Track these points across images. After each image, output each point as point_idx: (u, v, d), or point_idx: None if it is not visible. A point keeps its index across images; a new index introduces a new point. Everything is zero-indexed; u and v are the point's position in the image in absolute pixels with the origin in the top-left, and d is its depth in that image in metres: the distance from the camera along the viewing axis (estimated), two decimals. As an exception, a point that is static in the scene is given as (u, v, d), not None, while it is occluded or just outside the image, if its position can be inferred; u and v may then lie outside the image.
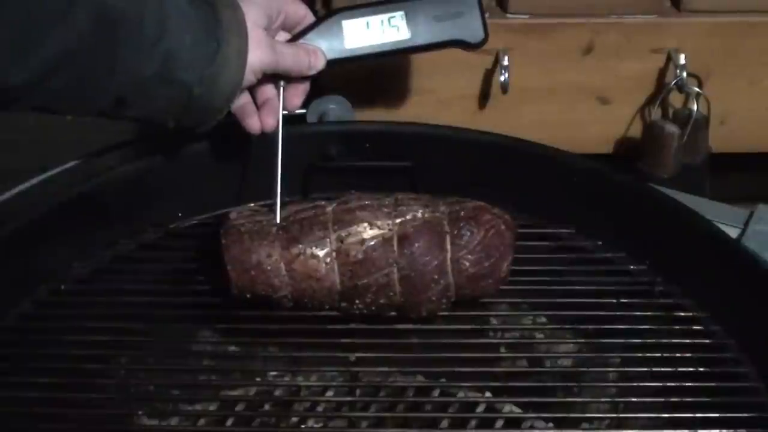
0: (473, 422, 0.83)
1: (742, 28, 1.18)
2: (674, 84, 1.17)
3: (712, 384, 0.81)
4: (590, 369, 0.87)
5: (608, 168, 0.99)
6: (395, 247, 0.85)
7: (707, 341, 0.86)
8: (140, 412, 0.83)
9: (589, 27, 1.17)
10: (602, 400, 0.85)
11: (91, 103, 0.79)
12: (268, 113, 0.89)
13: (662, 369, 0.83)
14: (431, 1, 0.92)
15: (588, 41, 1.17)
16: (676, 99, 1.20)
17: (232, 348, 0.91)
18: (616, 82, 1.20)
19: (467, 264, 0.85)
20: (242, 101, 0.88)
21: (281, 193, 0.87)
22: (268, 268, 0.85)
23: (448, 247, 0.85)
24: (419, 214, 0.86)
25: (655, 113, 1.20)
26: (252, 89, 0.89)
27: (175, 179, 0.97)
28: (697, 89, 1.17)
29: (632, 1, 1.17)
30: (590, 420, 0.82)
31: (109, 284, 0.93)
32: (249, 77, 0.85)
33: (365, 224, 0.85)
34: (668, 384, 0.81)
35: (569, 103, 1.21)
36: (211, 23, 0.81)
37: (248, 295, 0.86)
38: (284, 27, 0.91)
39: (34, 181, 1.09)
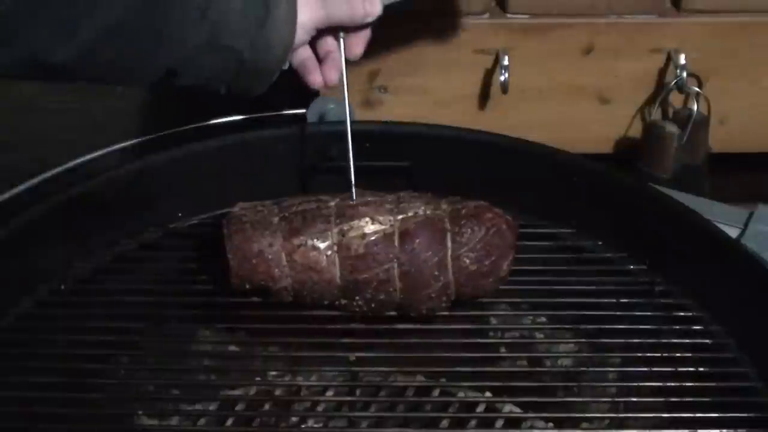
0: (473, 422, 0.83)
1: (742, 28, 1.18)
2: (674, 84, 1.17)
3: (712, 384, 0.81)
4: (590, 369, 0.87)
5: (608, 168, 0.99)
6: (396, 243, 0.85)
7: (707, 341, 0.86)
8: (140, 412, 0.83)
9: (589, 27, 1.17)
10: (602, 400, 0.85)
11: (140, 75, 0.79)
12: (330, 67, 0.87)
13: (662, 369, 0.83)
14: None
15: (588, 41, 1.18)
16: (676, 99, 1.20)
17: (232, 348, 0.91)
18: (616, 82, 1.20)
19: (468, 261, 0.85)
20: (303, 56, 0.87)
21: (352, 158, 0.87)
22: (269, 257, 0.85)
23: (449, 244, 0.85)
24: (421, 211, 0.86)
25: (655, 113, 1.20)
26: (312, 42, 0.87)
27: (175, 179, 0.98)
28: (697, 89, 1.17)
29: (632, 1, 1.17)
30: (590, 420, 0.82)
31: (109, 284, 0.93)
32: (301, 36, 0.83)
33: (367, 219, 0.85)
34: (668, 384, 0.81)
35: (569, 103, 1.21)
36: None
37: (248, 286, 0.86)
38: None
39: (34, 181, 1.09)
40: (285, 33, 0.82)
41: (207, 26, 0.77)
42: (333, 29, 0.87)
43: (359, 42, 0.88)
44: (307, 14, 0.83)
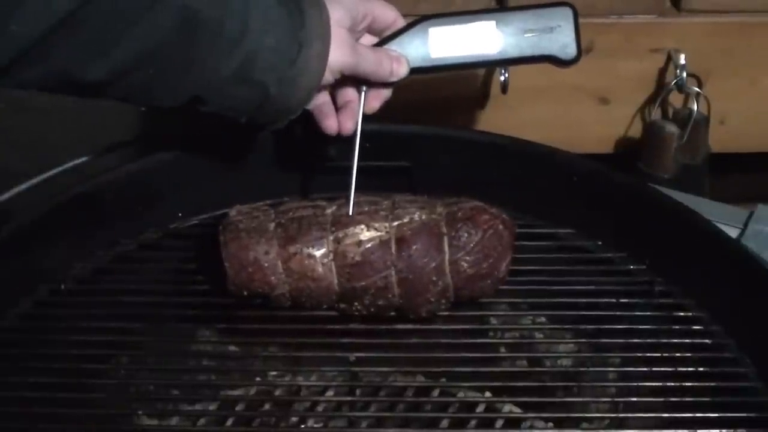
0: (473, 422, 0.83)
1: (742, 28, 1.18)
2: (674, 84, 1.17)
3: (712, 384, 0.81)
4: (590, 369, 0.87)
5: (608, 168, 0.99)
6: (393, 250, 0.84)
7: (707, 341, 0.86)
8: (140, 412, 0.83)
9: (589, 27, 1.17)
10: (602, 400, 0.85)
11: (166, 99, 0.79)
12: (347, 117, 0.87)
13: (662, 369, 0.83)
14: (524, 14, 0.88)
15: (588, 41, 1.17)
16: (676, 99, 1.20)
17: (232, 348, 0.91)
18: (616, 82, 1.20)
19: (465, 265, 0.85)
20: (321, 101, 0.87)
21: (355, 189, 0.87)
22: (265, 265, 0.84)
23: (446, 248, 0.85)
24: (416, 217, 0.86)
25: (655, 113, 1.20)
26: (333, 90, 0.88)
27: (175, 179, 0.97)
28: (697, 89, 1.17)
29: (632, 1, 1.17)
30: (590, 420, 0.82)
31: (109, 284, 0.93)
32: (327, 77, 0.84)
33: (362, 226, 0.85)
34: (668, 384, 0.81)
35: (569, 103, 1.21)
36: (296, 24, 0.80)
37: (245, 293, 0.86)
38: (371, 30, 0.89)
39: (34, 181, 1.09)
40: (313, 73, 0.82)
41: (239, 59, 0.78)
42: (356, 80, 0.87)
43: (379, 98, 0.89)
44: (338, 57, 0.83)
